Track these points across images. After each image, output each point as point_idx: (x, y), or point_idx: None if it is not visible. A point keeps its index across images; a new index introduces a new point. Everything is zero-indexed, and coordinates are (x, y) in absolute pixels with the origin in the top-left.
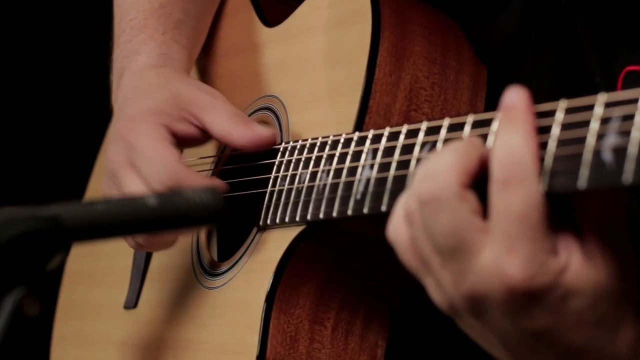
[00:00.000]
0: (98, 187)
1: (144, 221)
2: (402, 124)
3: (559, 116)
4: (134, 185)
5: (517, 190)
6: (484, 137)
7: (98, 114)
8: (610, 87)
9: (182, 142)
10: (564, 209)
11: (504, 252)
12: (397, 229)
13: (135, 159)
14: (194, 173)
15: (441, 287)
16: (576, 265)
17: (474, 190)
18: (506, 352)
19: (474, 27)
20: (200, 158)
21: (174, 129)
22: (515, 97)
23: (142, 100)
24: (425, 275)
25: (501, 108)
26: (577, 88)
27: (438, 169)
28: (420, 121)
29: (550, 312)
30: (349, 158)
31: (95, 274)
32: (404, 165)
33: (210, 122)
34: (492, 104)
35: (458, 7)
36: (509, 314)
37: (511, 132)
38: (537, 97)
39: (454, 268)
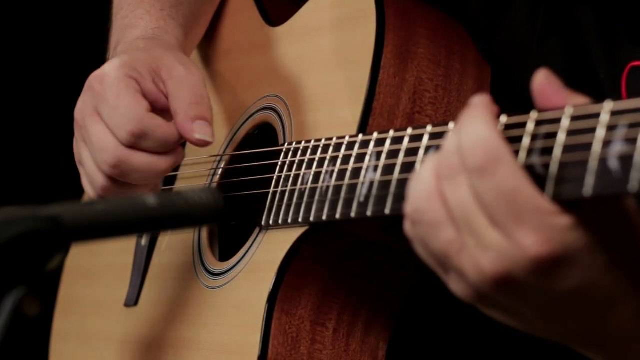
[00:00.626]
0: None
1: (143, 221)
2: (405, 126)
3: (565, 123)
4: (98, 132)
5: (497, 172)
6: None
7: None
8: (614, 83)
9: (147, 100)
10: None
11: (514, 228)
12: (408, 229)
13: (100, 107)
14: (163, 122)
15: (463, 275)
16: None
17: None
18: (545, 323)
19: (480, 25)
20: (203, 157)
21: (142, 85)
22: (475, 99)
23: (119, 58)
24: (445, 270)
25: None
26: (582, 84)
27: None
28: (425, 123)
29: (582, 267)
30: (352, 160)
31: (95, 270)
32: (408, 168)
33: (171, 93)
34: (497, 103)
35: (464, 6)
36: (541, 281)
37: (470, 123)
38: None
39: (471, 247)
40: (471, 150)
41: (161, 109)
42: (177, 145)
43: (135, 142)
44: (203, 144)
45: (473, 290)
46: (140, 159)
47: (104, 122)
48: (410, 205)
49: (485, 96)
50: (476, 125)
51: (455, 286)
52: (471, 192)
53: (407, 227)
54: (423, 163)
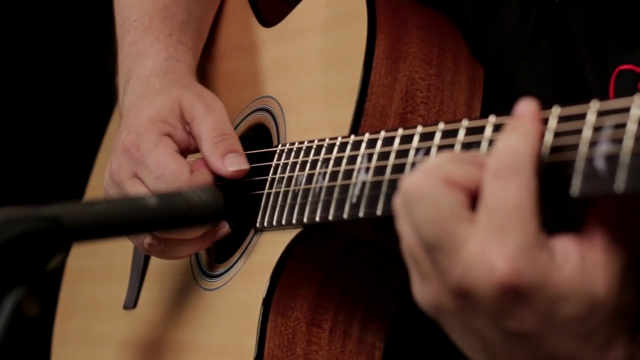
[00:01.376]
0: (98, 186)
1: (144, 221)
2: (398, 127)
3: (552, 123)
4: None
5: (511, 180)
6: (478, 143)
7: (98, 114)
8: (603, 86)
9: (182, 150)
10: (564, 216)
11: (492, 244)
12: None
13: (141, 173)
14: (207, 178)
15: (427, 281)
16: (572, 268)
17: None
18: (487, 357)
19: (471, 25)
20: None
21: (174, 138)
22: (523, 107)
23: (145, 109)
24: (412, 269)
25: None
26: (571, 87)
27: (426, 164)
28: (416, 124)
29: (538, 314)
30: (344, 161)
31: (96, 272)
32: (399, 169)
33: (197, 135)
34: (489, 104)
35: (455, 6)
36: (495, 311)
37: (510, 133)
38: (533, 96)
39: (439, 260)
40: (498, 154)
41: (193, 151)
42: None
43: None
44: (240, 174)
45: (431, 295)
46: None
47: (147, 187)
48: (395, 203)
49: (533, 103)
50: (514, 136)
51: (416, 286)
52: (436, 212)
53: (396, 200)
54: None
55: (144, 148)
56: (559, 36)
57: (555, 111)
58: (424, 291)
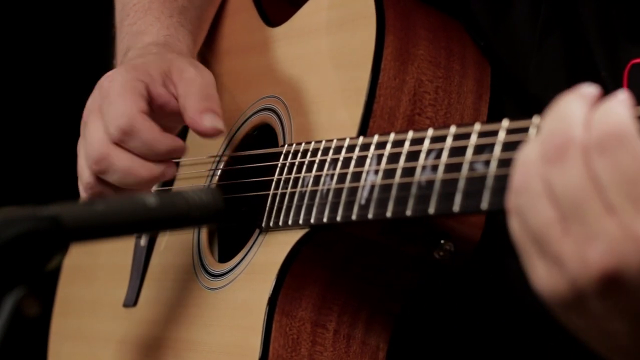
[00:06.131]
0: None
1: (143, 221)
2: (406, 128)
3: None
4: (93, 128)
5: (621, 151)
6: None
7: None
8: (615, 81)
9: (157, 106)
10: None
11: (632, 216)
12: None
13: (102, 104)
14: (155, 127)
15: (559, 266)
16: None
17: None
18: (637, 347)
19: (482, 22)
20: (202, 158)
21: (151, 90)
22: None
23: (133, 60)
24: (536, 257)
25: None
26: (584, 82)
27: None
28: (425, 125)
29: None
30: (353, 163)
31: (94, 270)
32: (409, 172)
33: (181, 94)
34: (499, 101)
35: (464, 3)
36: None
37: (606, 106)
38: (546, 93)
39: (579, 235)
40: (598, 123)
41: (170, 112)
42: (166, 157)
43: (122, 139)
44: (214, 132)
45: (568, 284)
46: (122, 158)
47: (102, 119)
48: (516, 178)
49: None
50: (611, 105)
51: (545, 276)
52: (586, 171)
53: (509, 197)
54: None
55: (115, 80)
56: (570, 31)
57: (452, 129)
58: (555, 279)
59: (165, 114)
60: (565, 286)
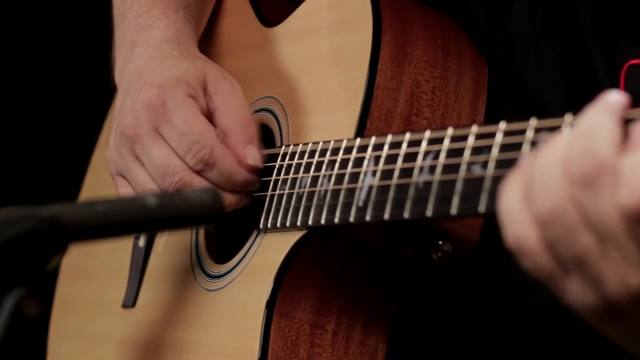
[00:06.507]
0: (94, 184)
1: (143, 221)
2: (403, 129)
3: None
4: (163, 155)
5: None
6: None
7: (96, 113)
8: (613, 81)
9: None
10: None
11: None
12: (524, 235)
13: (164, 129)
14: (232, 156)
15: (600, 283)
16: None
17: None
18: None
19: (480, 22)
20: None
21: (197, 102)
22: (611, 96)
23: (167, 69)
24: (568, 276)
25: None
26: (581, 82)
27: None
28: (422, 126)
29: None
30: (350, 164)
31: (93, 270)
32: (406, 173)
33: (219, 110)
34: (496, 101)
35: (462, 2)
36: None
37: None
38: (543, 92)
39: (616, 257)
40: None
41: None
42: (241, 189)
43: (202, 169)
44: (254, 170)
45: (605, 301)
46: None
47: (169, 145)
48: (541, 205)
49: (621, 95)
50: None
51: (581, 296)
52: (619, 207)
53: (533, 230)
54: (544, 153)
55: (170, 104)
56: (568, 31)
57: (450, 131)
58: (594, 298)
59: None
60: (602, 302)
